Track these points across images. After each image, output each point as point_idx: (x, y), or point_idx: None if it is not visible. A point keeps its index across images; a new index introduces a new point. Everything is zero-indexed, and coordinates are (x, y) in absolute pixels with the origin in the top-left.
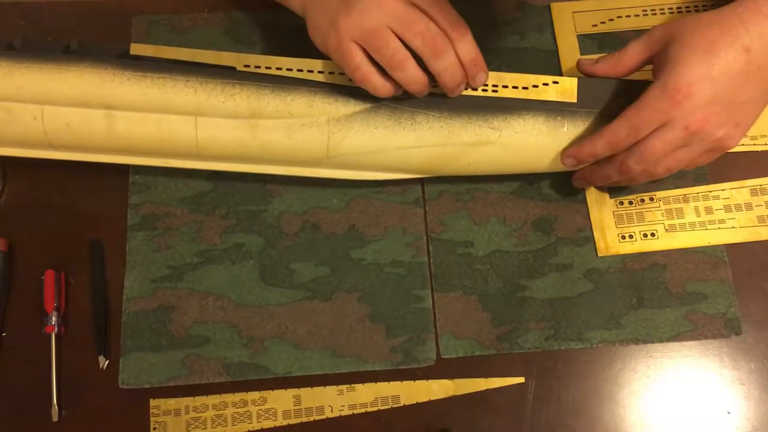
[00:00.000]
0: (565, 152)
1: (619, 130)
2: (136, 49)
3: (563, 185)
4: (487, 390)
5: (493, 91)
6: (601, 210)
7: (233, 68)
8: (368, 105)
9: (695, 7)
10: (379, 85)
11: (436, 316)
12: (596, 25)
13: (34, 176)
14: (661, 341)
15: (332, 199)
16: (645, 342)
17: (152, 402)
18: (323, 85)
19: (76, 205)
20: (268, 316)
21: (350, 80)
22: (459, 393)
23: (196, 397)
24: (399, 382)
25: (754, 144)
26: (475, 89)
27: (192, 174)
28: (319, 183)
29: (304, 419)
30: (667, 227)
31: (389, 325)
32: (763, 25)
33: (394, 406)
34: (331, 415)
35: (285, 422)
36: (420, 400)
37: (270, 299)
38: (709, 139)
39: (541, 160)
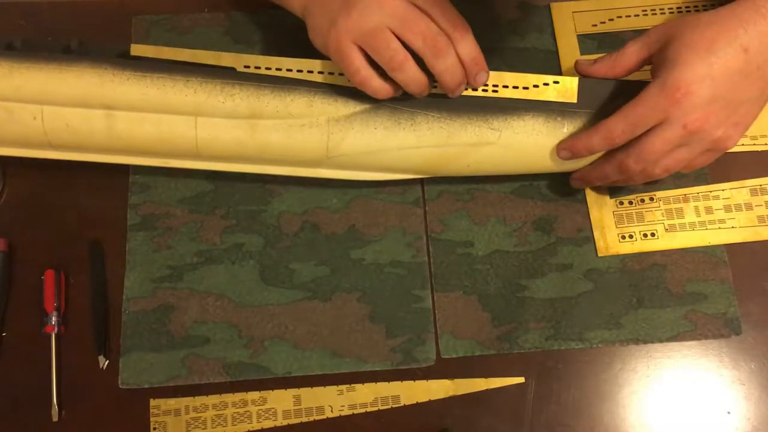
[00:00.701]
0: (560, 144)
1: (616, 125)
2: (137, 49)
3: (563, 185)
4: (487, 390)
5: (493, 91)
6: (601, 210)
7: (233, 69)
8: (368, 105)
9: (695, 7)
10: (379, 87)
11: (436, 316)
12: (596, 25)
13: (34, 176)
14: (661, 341)
15: (332, 199)
16: (645, 342)
17: (152, 402)
18: (323, 85)
19: (76, 205)
20: (268, 316)
21: (350, 82)
22: (459, 393)
23: (196, 397)
24: (399, 382)
25: (754, 144)
26: (476, 89)
27: (192, 174)
28: (319, 183)
29: (304, 419)
30: (667, 227)
31: (389, 325)
32: (762, 25)
33: (394, 406)
34: (331, 415)
35: (285, 422)
36: (420, 400)
37: (270, 299)
38: (708, 139)
39: (541, 161)
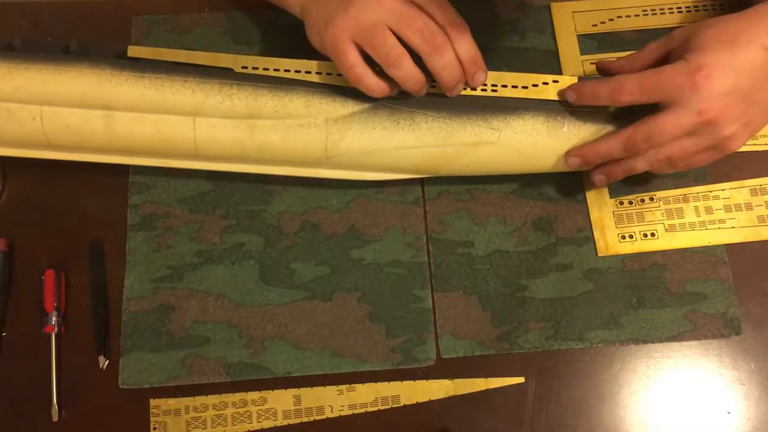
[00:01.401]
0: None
1: (628, 83)
2: (134, 51)
3: (563, 185)
4: (487, 390)
5: (492, 90)
6: (601, 210)
7: (231, 69)
8: (367, 105)
9: (695, 7)
10: (373, 85)
11: (436, 316)
12: (596, 25)
13: (34, 176)
14: (661, 341)
15: (332, 199)
16: (645, 342)
17: (152, 402)
18: (321, 85)
19: (76, 205)
20: (268, 316)
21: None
22: (459, 393)
23: (196, 397)
24: (399, 382)
25: (754, 144)
26: (474, 89)
27: (192, 174)
28: (318, 183)
29: (304, 419)
30: (667, 227)
31: (389, 325)
32: None
33: (394, 406)
34: (331, 415)
35: (285, 422)
36: (420, 400)
37: (270, 299)
38: (718, 134)
39: (541, 161)
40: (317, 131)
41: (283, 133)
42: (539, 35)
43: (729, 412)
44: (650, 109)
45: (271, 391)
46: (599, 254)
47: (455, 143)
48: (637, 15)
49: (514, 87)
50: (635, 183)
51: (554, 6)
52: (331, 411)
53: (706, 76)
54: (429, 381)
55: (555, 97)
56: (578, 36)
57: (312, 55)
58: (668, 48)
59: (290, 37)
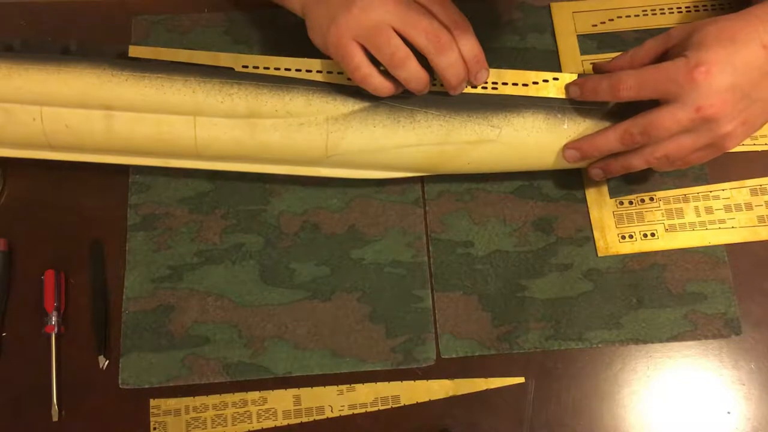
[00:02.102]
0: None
1: (628, 78)
2: (135, 51)
3: (563, 185)
4: (487, 390)
5: (492, 88)
6: (601, 210)
7: (231, 69)
8: (367, 104)
9: (695, 7)
10: (379, 85)
11: (436, 316)
12: (596, 25)
13: (34, 176)
14: (661, 341)
15: (332, 199)
16: (645, 342)
17: (152, 402)
18: (321, 84)
19: (76, 205)
20: (268, 316)
21: (349, 79)
22: (459, 393)
23: (196, 397)
24: (399, 382)
25: (754, 144)
26: (476, 87)
27: (192, 174)
28: (319, 183)
29: (304, 419)
30: (667, 227)
31: (389, 325)
32: None
33: (394, 406)
34: (331, 415)
35: (285, 422)
36: (420, 400)
37: (270, 299)
38: (716, 131)
39: (542, 158)
40: (318, 130)
41: (283, 132)
42: (539, 35)
43: (729, 412)
44: (650, 107)
45: (271, 391)
46: (599, 254)
47: (456, 141)
48: (637, 15)
49: (515, 84)
50: (635, 183)
51: (554, 6)
52: (331, 411)
53: (706, 72)
54: (429, 381)
55: (555, 95)
56: (578, 36)
57: (312, 54)
58: (666, 46)
59: (290, 37)
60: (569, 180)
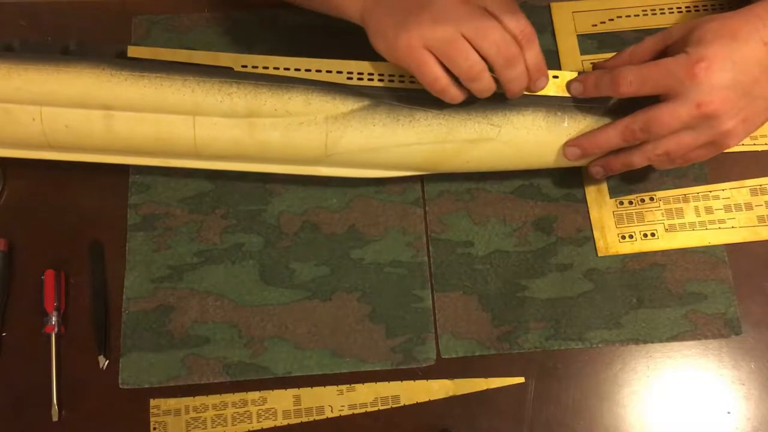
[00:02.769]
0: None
1: (629, 74)
2: (134, 51)
3: (563, 185)
4: (487, 390)
5: None
6: (601, 210)
7: (230, 68)
8: (366, 103)
9: (695, 8)
10: (456, 95)
11: (436, 316)
12: (596, 25)
13: (34, 176)
14: (661, 341)
15: (332, 199)
16: (645, 342)
17: (152, 402)
18: (321, 83)
19: (76, 205)
20: (268, 316)
21: (348, 80)
22: (459, 393)
23: (196, 397)
24: (399, 382)
25: (754, 144)
26: (534, 93)
27: (192, 174)
28: (319, 183)
29: (304, 419)
30: (667, 227)
31: (389, 325)
32: None
33: (394, 406)
34: (331, 415)
35: (285, 422)
36: (420, 400)
37: (270, 299)
38: (716, 128)
39: (542, 156)
40: (317, 129)
41: (283, 131)
42: (539, 35)
43: (729, 412)
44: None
45: (271, 391)
46: (599, 254)
47: (455, 140)
48: (637, 15)
49: None
50: (635, 183)
51: (554, 6)
52: (331, 411)
53: (706, 68)
54: (429, 381)
55: (555, 93)
56: (578, 36)
57: (312, 54)
58: (666, 43)
59: (290, 37)
60: (569, 180)
